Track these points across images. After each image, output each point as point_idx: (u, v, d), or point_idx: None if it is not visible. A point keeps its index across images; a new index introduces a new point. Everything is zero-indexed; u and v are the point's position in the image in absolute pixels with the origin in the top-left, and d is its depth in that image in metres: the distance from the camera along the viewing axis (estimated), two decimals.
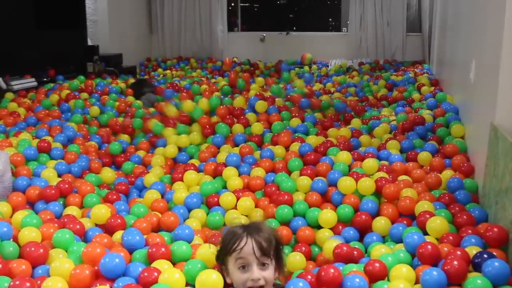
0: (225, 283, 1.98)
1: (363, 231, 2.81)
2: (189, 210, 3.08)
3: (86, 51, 7.13)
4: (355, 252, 2.49)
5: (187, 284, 2.14)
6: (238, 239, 1.91)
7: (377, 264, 2.20)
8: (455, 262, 2.06)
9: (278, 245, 1.99)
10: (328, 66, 8.56)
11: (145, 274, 2.16)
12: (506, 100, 2.69)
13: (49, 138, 3.96)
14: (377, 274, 2.17)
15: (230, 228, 2.02)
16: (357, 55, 9.04)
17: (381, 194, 2.99)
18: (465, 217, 2.58)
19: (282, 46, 9.37)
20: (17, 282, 1.98)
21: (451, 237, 2.42)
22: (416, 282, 2.13)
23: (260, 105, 4.61)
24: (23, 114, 4.80)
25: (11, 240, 2.42)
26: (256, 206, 3.13)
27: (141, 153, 4.10)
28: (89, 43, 7.41)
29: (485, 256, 2.09)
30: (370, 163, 3.34)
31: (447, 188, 3.05)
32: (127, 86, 5.93)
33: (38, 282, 2.08)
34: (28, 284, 1.98)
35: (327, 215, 2.89)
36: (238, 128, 4.33)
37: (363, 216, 2.84)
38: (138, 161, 4.00)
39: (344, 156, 3.48)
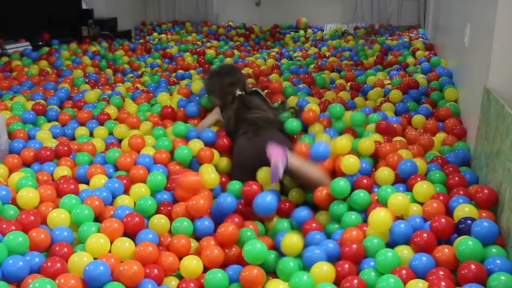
0: None
1: None
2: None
3: (81, 15, 7.08)
4: None
5: None
6: None
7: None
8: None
9: None
10: (323, 31, 8.50)
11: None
12: (499, 64, 2.71)
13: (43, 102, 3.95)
14: None
15: None
16: (352, 20, 8.98)
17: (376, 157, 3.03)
18: (457, 178, 2.60)
19: (278, 10, 9.30)
20: (49, 264, 2.02)
21: (441, 197, 2.44)
22: None
23: None
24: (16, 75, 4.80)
25: (10, 202, 2.47)
26: None
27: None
28: (84, 6, 7.35)
29: (469, 222, 2.14)
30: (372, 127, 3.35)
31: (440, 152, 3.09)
32: None
33: (57, 248, 2.15)
34: (58, 265, 2.02)
35: None
36: None
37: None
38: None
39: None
